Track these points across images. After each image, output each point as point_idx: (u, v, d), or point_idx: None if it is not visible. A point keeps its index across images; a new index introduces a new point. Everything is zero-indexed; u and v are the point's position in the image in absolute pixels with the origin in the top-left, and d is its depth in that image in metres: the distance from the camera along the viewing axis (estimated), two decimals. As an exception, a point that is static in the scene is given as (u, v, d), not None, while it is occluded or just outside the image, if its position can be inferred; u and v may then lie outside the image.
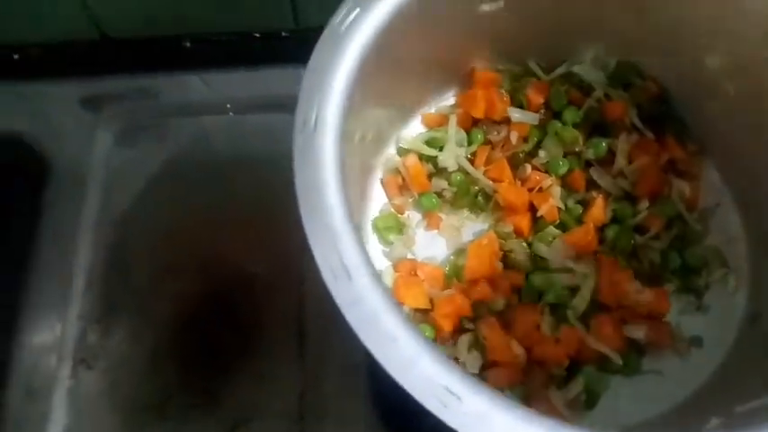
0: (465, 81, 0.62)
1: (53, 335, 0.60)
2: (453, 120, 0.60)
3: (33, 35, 0.73)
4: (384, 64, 0.48)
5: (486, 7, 0.52)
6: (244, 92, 0.71)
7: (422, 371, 0.36)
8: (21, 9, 0.69)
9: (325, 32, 0.43)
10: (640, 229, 0.58)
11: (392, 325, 0.37)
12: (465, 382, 0.36)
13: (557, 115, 0.61)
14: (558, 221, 0.58)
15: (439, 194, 0.60)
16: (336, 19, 0.43)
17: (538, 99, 0.60)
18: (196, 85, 0.72)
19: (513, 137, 0.60)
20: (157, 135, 0.70)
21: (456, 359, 0.53)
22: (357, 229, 0.40)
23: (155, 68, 0.73)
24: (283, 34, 0.75)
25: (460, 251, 0.58)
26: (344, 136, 0.43)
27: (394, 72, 0.51)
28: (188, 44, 0.75)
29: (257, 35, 0.75)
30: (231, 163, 0.68)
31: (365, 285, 0.38)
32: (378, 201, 0.60)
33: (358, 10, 0.44)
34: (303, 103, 0.41)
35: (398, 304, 0.38)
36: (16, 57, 0.74)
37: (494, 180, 0.59)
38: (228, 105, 0.71)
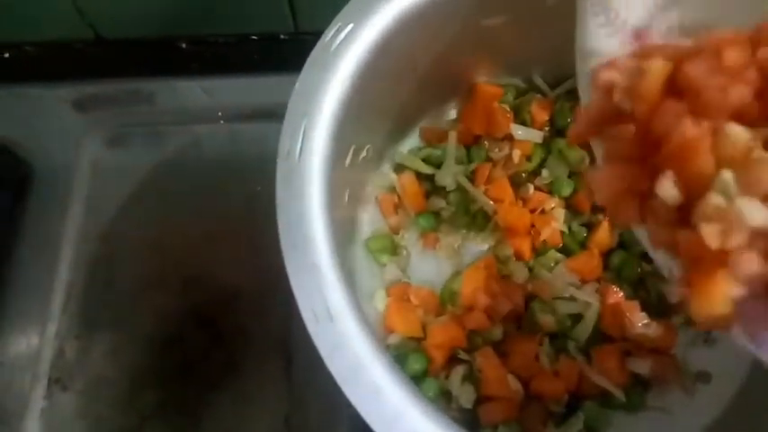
0: (466, 95, 0.59)
1: (29, 352, 0.57)
2: (453, 136, 0.57)
3: (24, 36, 0.70)
4: (380, 81, 0.45)
5: (488, 21, 0.49)
6: (239, 98, 0.68)
7: (407, 426, 0.33)
8: (10, 8, 0.66)
9: (315, 51, 0.40)
10: (648, 257, 0.55)
11: (376, 374, 0.34)
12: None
13: (562, 133, 0.58)
14: (560, 245, 0.56)
15: (436, 213, 0.57)
16: (327, 36, 0.40)
17: (542, 116, 0.57)
18: (191, 89, 0.69)
19: (516, 155, 0.57)
20: (149, 141, 0.67)
21: (448, 393, 0.50)
22: (343, 265, 0.37)
23: (150, 71, 0.70)
24: (282, 37, 0.72)
25: (456, 275, 0.55)
26: (334, 161, 0.40)
27: (391, 88, 0.49)
28: (184, 46, 0.72)
29: (255, 38, 0.72)
30: (222, 173, 0.65)
31: (348, 330, 0.35)
32: (372, 219, 0.57)
33: (351, 25, 0.41)
34: (288, 129, 0.38)
35: (384, 349, 0.36)
36: (6, 55, 0.71)
37: (494, 200, 0.56)
38: (222, 113, 0.68)
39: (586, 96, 0.31)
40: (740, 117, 0.21)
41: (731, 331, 0.23)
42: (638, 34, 0.30)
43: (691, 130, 0.21)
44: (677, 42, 0.25)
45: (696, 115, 0.21)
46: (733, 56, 0.21)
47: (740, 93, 0.21)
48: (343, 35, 0.41)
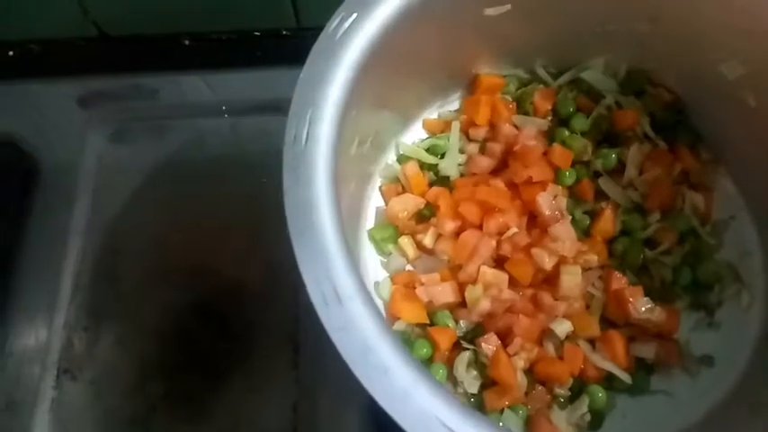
0: (469, 86, 0.59)
1: (37, 343, 0.58)
2: (456, 126, 0.57)
3: (29, 33, 0.71)
4: (383, 71, 0.46)
5: (491, 11, 0.49)
6: (242, 93, 0.69)
7: (415, 404, 0.34)
8: (16, 8, 0.67)
9: (319, 41, 0.41)
10: (651, 243, 0.56)
11: (385, 355, 0.35)
12: (463, 417, 0.34)
13: (564, 123, 0.58)
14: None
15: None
16: (331, 26, 0.41)
17: (545, 106, 0.58)
18: (194, 84, 0.70)
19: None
20: (152, 136, 0.68)
21: (455, 378, 0.51)
22: (350, 251, 0.38)
23: (153, 67, 0.70)
24: (284, 33, 0.72)
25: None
26: (339, 148, 0.41)
27: (394, 78, 0.49)
28: (187, 42, 0.73)
29: (257, 34, 0.73)
30: (226, 166, 0.66)
31: (357, 311, 0.36)
32: (376, 209, 0.58)
33: (355, 15, 0.41)
34: (294, 117, 0.39)
35: (392, 331, 0.36)
36: (12, 53, 0.72)
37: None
38: (225, 107, 0.68)
39: None
40: None
41: None
42: None
43: None
44: None
45: None
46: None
47: None
48: (347, 25, 0.41)
